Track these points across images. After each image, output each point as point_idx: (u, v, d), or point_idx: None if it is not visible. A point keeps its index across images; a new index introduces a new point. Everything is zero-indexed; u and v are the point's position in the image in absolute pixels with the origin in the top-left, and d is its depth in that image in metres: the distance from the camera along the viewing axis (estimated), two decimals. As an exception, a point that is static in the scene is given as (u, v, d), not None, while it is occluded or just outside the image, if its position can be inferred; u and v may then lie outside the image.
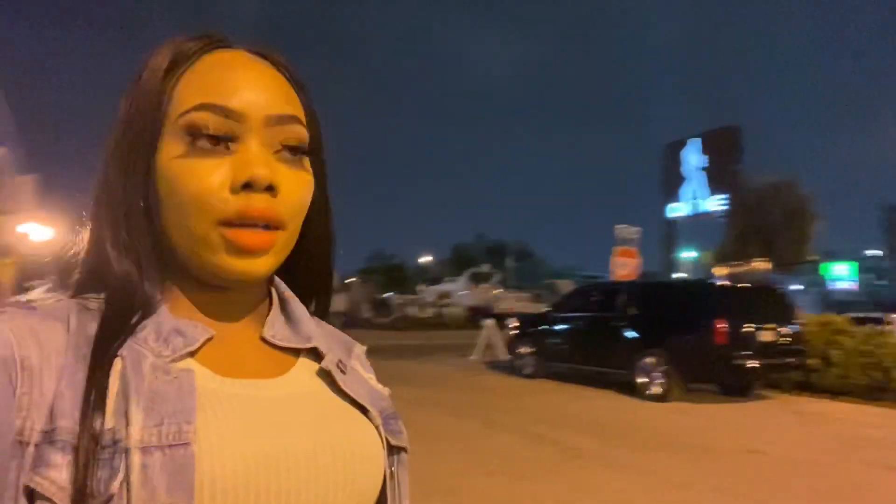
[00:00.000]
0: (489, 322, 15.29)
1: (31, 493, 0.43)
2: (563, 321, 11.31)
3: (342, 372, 0.60)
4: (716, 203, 35.99)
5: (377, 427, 0.59)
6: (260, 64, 0.57)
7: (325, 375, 0.59)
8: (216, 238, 0.52)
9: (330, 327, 0.68)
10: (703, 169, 37.09)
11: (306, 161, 0.58)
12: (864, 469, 5.65)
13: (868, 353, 9.54)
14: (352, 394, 0.59)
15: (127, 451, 0.44)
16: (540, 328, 11.72)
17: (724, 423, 7.81)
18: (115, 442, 0.44)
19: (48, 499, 0.43)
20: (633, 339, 9.70)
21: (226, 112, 0.53)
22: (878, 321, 14.01)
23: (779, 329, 9.25)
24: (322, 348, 0.61)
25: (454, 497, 4.65)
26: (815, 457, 6.02)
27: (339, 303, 31.35)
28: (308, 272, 0.65)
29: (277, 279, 0.64)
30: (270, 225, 0.53)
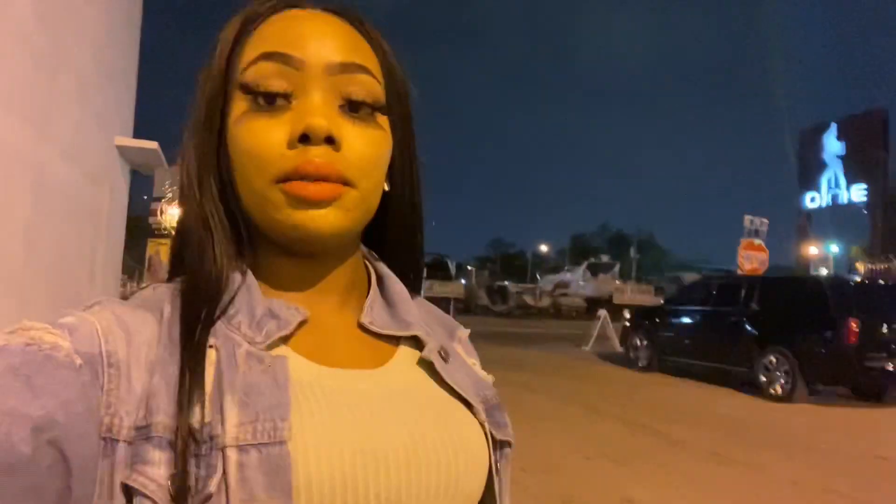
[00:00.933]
0: (603, 312, 15.12)
1: (128, 491, 0.42)
2: (680, 314, 11.02)
3: (444, 360, 0.57)
4: (855, 193, 32.94)
5: (482, 423, 0.56)
6: (328, 16, 0.54)
7: (427, 366, 0.57)
8: (276, 195, 0.50)
9: (431, 306, 0.66)
10: (840, 157, 33.98)
11: (381, 118, 0.55)
12: None
13: None
14: (455, 386, 0.56)
15: (223, 449, 0.42)
16: (655, 321, 11.48)
17: (848, 426, 7.35)
18: (211, 438, 0.43)
19: (148, 496, 0.41)
20: (755, 335, 9.28)
21: (284, 59, 0.51)
22: None
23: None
24: (423, 335, 0.58)
25: (550, 475, 4.81)
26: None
27: (456, 289, 32.10)
28: (396, 249, 0.63)
29: (373, 256, 0.62)
30: (332, 180, 0.50)
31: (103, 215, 4.87)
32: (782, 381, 8.66)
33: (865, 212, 30.40)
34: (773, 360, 8.82)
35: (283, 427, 0.44)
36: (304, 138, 0.49)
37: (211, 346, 0.47)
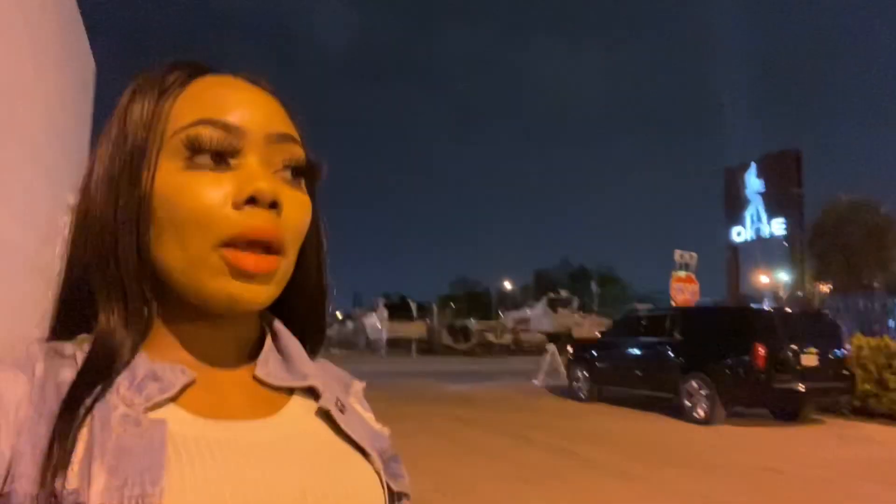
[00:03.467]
0: (552, 347, 15.69)
1: None
2: (615, 346, 11.68)
3: (341, 412, 0.57)
4: (776, 227, 35.03)
5: (378, 472, 0.56)
6: (254, 86, 0.56)
7: (323, 415, 0.57)
8: (216, 260, 0.49)
9: (326, 363, 0.66)
10: (761, 193, 36.04)
11: (303, 184, 0.57)
12: (870, 484, 5.82)
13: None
14: (352, 434, 0.56)
15: None
16: (593, 353, 12.12)
17: (755, 444, 8.00)
18: None
19: None
20: (679, 363, 9.97)
21: (226, 127, 0.51)
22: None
23: (823, 353, 9.27)
24: (319, 386, 0.58)
25: (464, 496, 5.32)
26: (830, 476, 6.21)
27: (417, 329, 32.41)
28: (300, 309, 0.63)
29: (268, 313, 0.61)
30: (272, 247, 0.51)
31: (56, 274, 5.26)
32: (704, 404, 9.29)
33: (786, 244, 32.23)
34: (695, 385, 9.47)
35: (152, 492, 0.43)
36: (250, 201, 0.50)
37: (85, 409, 0.45)
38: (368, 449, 0.57)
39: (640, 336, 11.11)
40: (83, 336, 0.51)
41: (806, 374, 8.99)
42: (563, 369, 14.31)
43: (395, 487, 0.59)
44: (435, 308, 37.06)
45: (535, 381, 14.98)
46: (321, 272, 0.63)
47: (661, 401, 10.16)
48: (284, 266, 0.53)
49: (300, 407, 0.57)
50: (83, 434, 0.44)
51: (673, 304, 14.03)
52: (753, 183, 37.39)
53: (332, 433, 0.56)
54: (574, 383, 12.32)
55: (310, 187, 0.58)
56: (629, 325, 12.08)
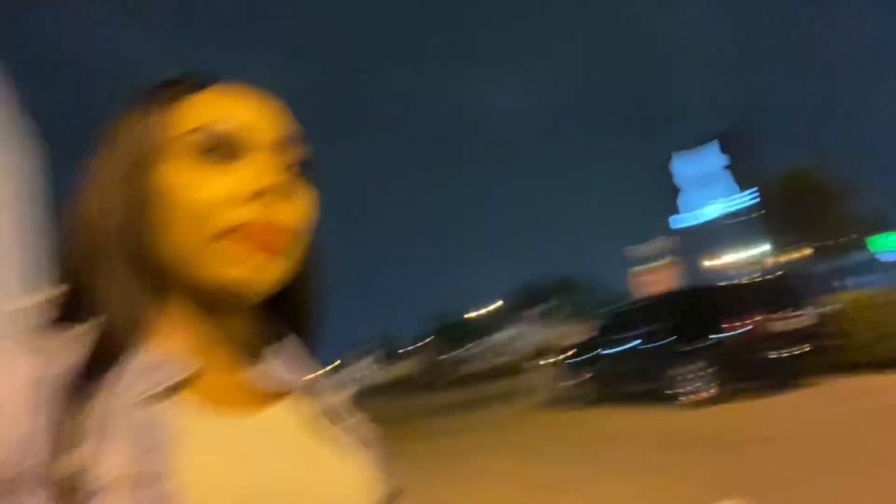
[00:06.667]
0: (531, 364, 15.68)
1: None
2: (605, 346, 11.74)
3: (334, 414, 0.61)
4: (736, 203, 35.87)
5: (367, 470, 0.59)
6: (258, 93, 0.58)
7: (318, 416, 0.60)
8: (223, 246, 0.51)
9: (316, 368, 0.67)
10: (721, 171, 36.86)
11: (309, 180, 0.59)
12: (872, 434, 5.91)
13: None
14: (346, 435, 0.60)
15: (101, 492, 0.43)
16: (586, 357, 12.16)
17: (758, 415, 8.06)
18: (87, 483, 0.43)
19: None
20: (668, 349, 10.03)
21: (235, 129, 0.54)
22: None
23: (804, 317, 9.44)
24: (312, 390, 0.61)
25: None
26: (827, 433, 6.29)
27: (406, 368, 32.17)
28: (298, 308, 0.64)
29: (269, 316, 0.63)
30: (285, 231, 0.54)
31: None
32: (703, 386, 9.34)
33: (747, 218, 33.05)
34: (684, 370, 9.55)
35: (161, 468, 0.45)
36: (258, 195, 0.52)
37: (92, 394, 0.46)
38: (358, 448, 0.59)
39: (626, 331, 11.17)
40: (85, 325, 0.52)
41: (791, 338, 9.13)
42: (558, 380, 14.32)
43: (388, 484, 0.61)
44: (422, 346, 36.82)
45: (533, 398, 14.92)
46: (319, 273, 0.64)
47: (655, 391, 10.17)
48: (299, 247, 0.55)
49: (295, 407, 0.59)
50: (91, 417, 0.46)
51: (646, 296, 14.10)
52: (709, 163, 38.20)
53: (321, 434, 0.58)
54: (572, 390, 12.31)
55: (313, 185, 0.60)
56: (614, 321, 12.15)
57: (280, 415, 0.57)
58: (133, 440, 0.45)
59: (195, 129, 0.54)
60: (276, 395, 0.59)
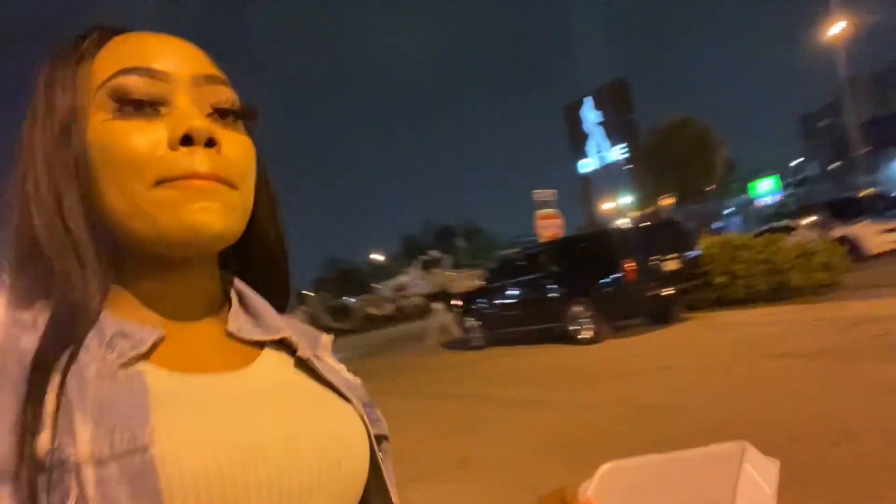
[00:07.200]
0: (437, 306, 16.07)
1: None
2: (499, 290, 12.18)
3: (312, 362, 0.59)
4: (617, 153, 38.02)
5: (360, 416, 0.58)
6: (173, 37, 0.55)
7: (301, 365, 0.58)
8: (159, 195, 0.49)
9: (293, 320, 0.65)
10: (600, 124, 38.82)
11: (241, 125, 0.56)
12: (758, 361, 6.60)
13: (765, 260, 10.68)
14: (332, 381, 0.58)
15: (77, 468, 0.41)
16: (480, 301, 12.58)
17: (642, 350, 8.76)
18: (62, 462, 0.41)
19: None
20: (559, 292, 10.62)
21: (151, 73, 0.51)
22: (789, 229, 15.39)
23: (681, 257, 10.25)
24: (293, 338, 0.59)
25: (398, 455, 5.41)
26: (718, 360, 6.98)
27: (310, 310, 31.74)
28: (262, 268, 0.63)
29: (232, 276, 0.62)
30: (220, 180, 0.51)
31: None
32: (589, 325, 10.01)
33: (628, 168, 35.16)
34: (579, 309, 10.16)
35: (142, 433, 0.43)
36: (186, 140, 0.50)
37: (56, 371, 0.44)
38: (348, 394, 0.58)
39: (520, 275, 11.66)
40: (42, 303, 0.50)
41: (670, 278, 9.92)
42: (453, 324, 14.76)
43: (374, 431, 0.60)
44: (313, 293, 36.42)
45: (428, 342, 15.31)
46: (278, 226, 0.63)
47: (552, 332, 10.79)
48: (237, 195, 0.53)
49: (275, 359, 0.58)
50: (60, 394, 0.43)
51: (540, 240, 14.76)
52: (591, 116, 39.88)
53: (312, 381, 0.58)
54: (468, 334, 12.75)
55: (250, 127, 0.58)
56: (508, 266, 12.61)
57: (258, 369, 0.55)
58: (106, 412, 0.43)
59: (113, 76, 0.51)
60: (251, 350, 0.57)
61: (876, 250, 14.22)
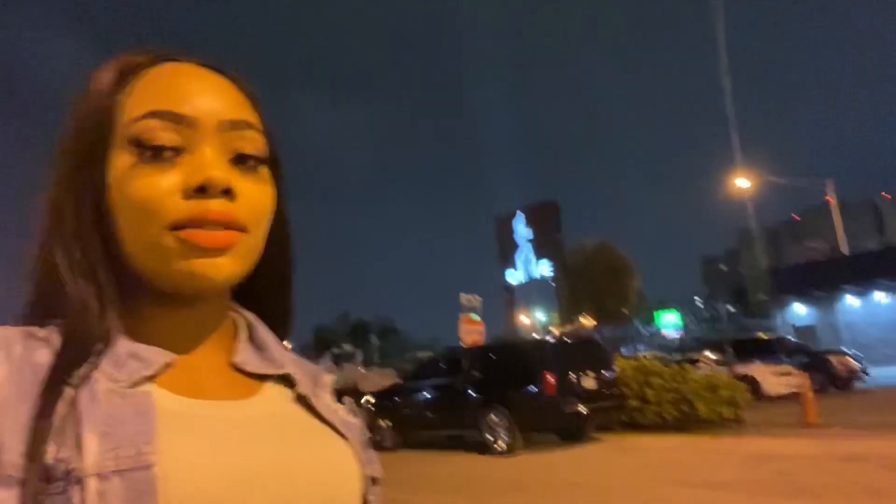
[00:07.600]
0: (346, 400, 15.56)
1: None
2: (415, 391, 11.93)
3: (313, 398, 0.59)
4: (543, 269, 39.58)
5: (355, 454, 0.58)
6: (211, 73, 0.56)
7: (300, 401, 0.59)
8: (170, 241, 0.51)
9: (295, 355, 0.66)
10: (529, 240, 40.51)
11: (265, 171, 0.57)
12: (665, 487, 6.66)
13: (675, 389, 11.02)
14: (329, 419, 0.58)
15: (82, 480, 0.42)
16: (395, 400, 12.26)
17: (554, 465, 8.72)
18: (67, 473, 0.42)
19: None
20: (477, 399, 10.48)
21: (176, 118, 0.52)
22: (694, 361, 16.08)
23: (599, 376, 10.44)
24: (295, 375, 0.60)
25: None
26: (624, 482, 7.01)
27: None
28: (265, 297, 0.65)
29: (241, 306, 0.63)
30: (230, 226, 0.52)
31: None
32: (504, 435, 9.85)
33: (552, 284, 36.54)
34: (494, 418, 10.02)
35: (147, 451, 0.44)
36: (201, 190, 0.51)
37: (68, 385, 0.46)
38: (345, 432, 0.58)
39: (437, 378, 11.51)
40: (56, 321, 0.51)
41: (587, 396, 10.03)
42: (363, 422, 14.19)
43: (368, 471, 0.59)
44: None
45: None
46: (286, 261, 0.65)
47: (462, 438, 10.57)
48: (250, 241, 0.54)
49: (276, 392, 0.59)
50: (70, 407, 0.45)
51: (462, 345, 14.77)
52: (521, 230, 41.36)
53: (310, 416, 0.58)
54: (378, 434, 12.31)
55: (274, 176, 0.59)
56: (426, 368, 12.46)
57: (260, 400, 0.57)
58: (113, 428, 0.45)
59: (140, 118, 0.52)
60: (255, 382, 0.59)
61: (772, 392, 14.95)
